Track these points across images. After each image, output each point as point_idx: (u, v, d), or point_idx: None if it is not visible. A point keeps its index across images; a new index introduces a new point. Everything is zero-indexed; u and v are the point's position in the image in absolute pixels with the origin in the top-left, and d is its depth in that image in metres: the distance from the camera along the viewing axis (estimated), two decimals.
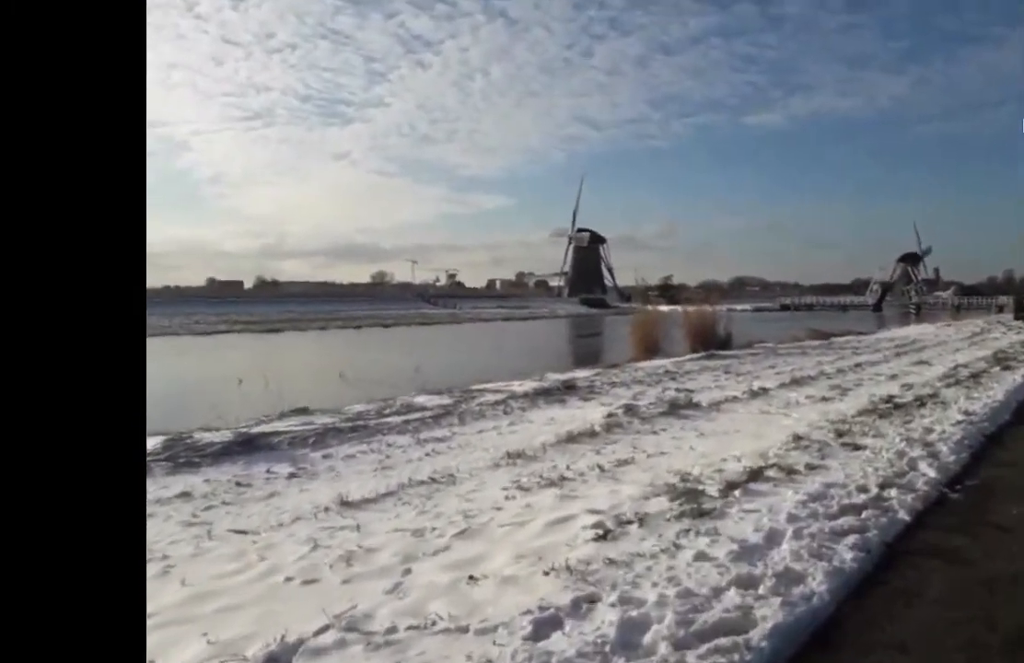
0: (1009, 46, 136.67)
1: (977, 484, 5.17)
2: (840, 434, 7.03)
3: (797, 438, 6.85)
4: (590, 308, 77.12)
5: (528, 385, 10.48)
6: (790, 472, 5.52)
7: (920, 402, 8.86)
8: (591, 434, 7.14)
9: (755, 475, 5.39)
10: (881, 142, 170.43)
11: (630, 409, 8.44)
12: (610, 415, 8.03)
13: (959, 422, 7.13)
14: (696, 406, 8.95)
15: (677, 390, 10.22)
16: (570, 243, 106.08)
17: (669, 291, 67.78)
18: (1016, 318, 32.85)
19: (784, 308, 70.27)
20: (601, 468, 5.72)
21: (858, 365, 15.59)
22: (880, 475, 5.23)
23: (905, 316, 56.44)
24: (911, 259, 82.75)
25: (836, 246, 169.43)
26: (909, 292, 78.30)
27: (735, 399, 9.53)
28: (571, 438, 6.92)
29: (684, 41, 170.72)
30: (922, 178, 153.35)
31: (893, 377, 12.57)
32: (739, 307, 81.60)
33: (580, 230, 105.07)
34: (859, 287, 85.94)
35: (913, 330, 30.55)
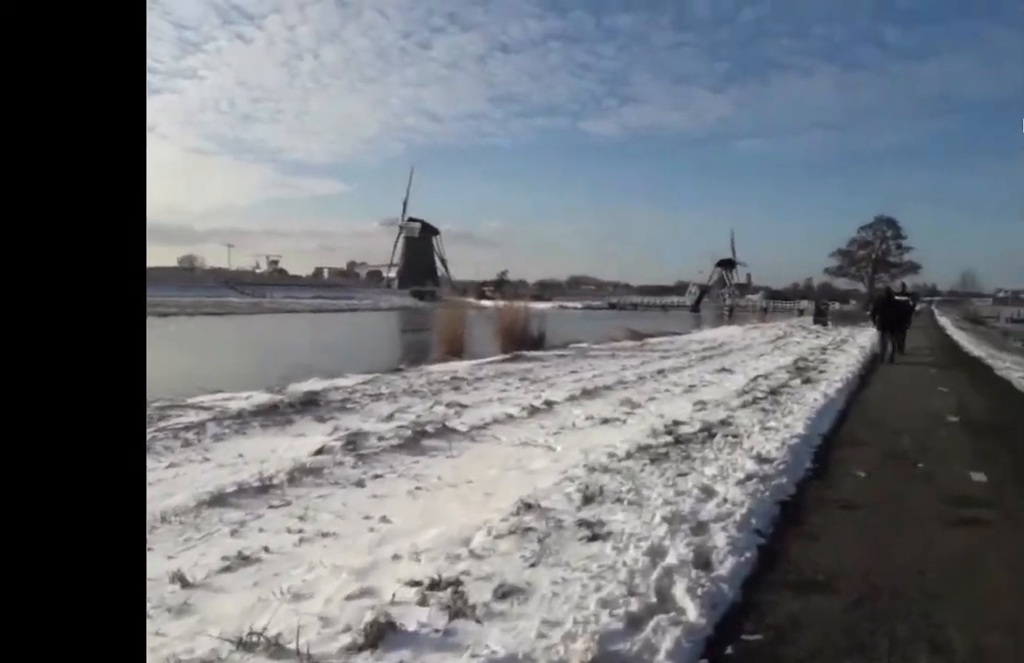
0: (816, 77, 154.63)
1: (758, 643, 2.91)
2: (588, 499, 4.76)
3: (527, 508, 4.55)
4: (419, 301, 74.21)
5: (256, 399, 8.26)
6: (457, 613, 3.01)
7: (708, 433, 6.97)
8: (261, 489, 4.90)
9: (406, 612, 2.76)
10: (706, 156, 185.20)
11: (353, 440, 6.30)
12: (321, 451, 5.87)
13: (749, 476, 5.11)
14: (451, 433, 7.09)
15: (448, 405, 8.67)
16: (401, 233, 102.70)
17: (504, 287, 66.73)
18: (815, 322, 34.98)
19: (612, 307, 72.96)
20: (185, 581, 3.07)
21: (661, 372, 14.29)
22: (599, 627, 2.82)
23: (720, 317, 60.27)
24: (727, 264, 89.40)
25: (664, 250, 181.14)
26: (723, 295, 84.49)
27: (509, 419, 7.87)
28: (220, 500, 4.57)
29: (524, 42, 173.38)
30: (739, 190, 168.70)
31: (691, 389, 11.10)
32: (571, 305, 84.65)
33: (411, 220, 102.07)
34: (682, 289, 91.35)
35: (723, 332, 31.24)
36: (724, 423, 7.54)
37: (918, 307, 33.14)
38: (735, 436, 6.81)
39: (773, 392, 10.10)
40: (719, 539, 3.91)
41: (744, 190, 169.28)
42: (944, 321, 44.89)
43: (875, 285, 60.43)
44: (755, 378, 12.30)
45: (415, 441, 6.68)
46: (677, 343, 25.52)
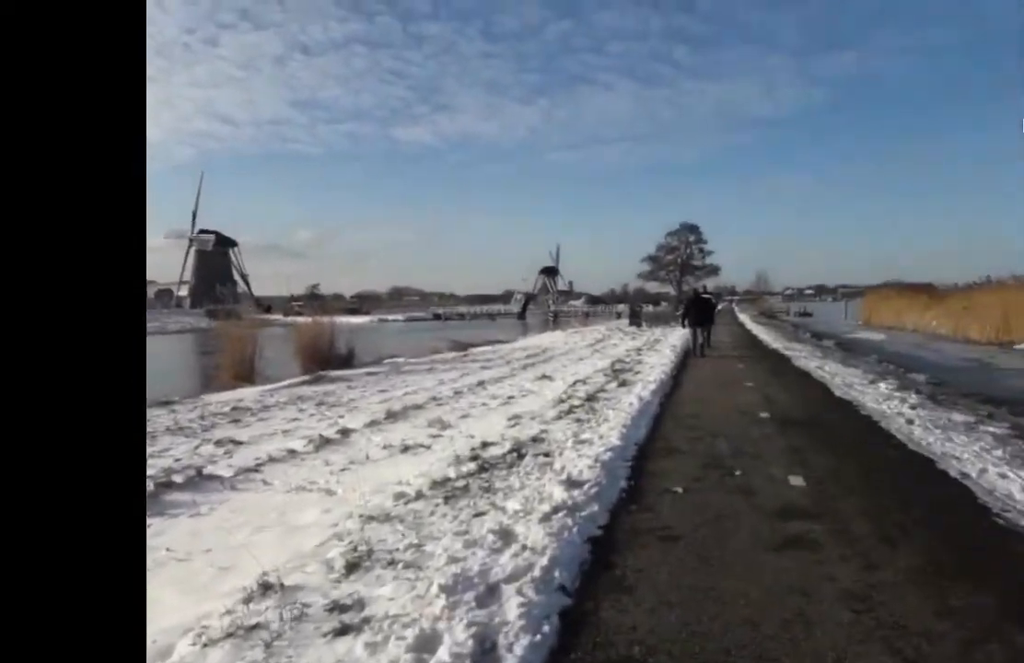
0: (618, 92, 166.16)
1: None
2: (353, 566, 3.69)
3: (265, 590, 3.38)
4: (214, 321, 68.22)
5: None
6: None
7: (518, 454, 6.17)
8: None
9: None
10: (522, 165, 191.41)
11: None
12: None
13: (556, 507, 4.28)
14: (208, 481, 5.96)
15: (219, 444, 7.57)
16: (191, 246, 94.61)
17: (316, 301, 63.25)
18: (631, 324, 36.71)
19: (436, 317, 72.18)
20: None
21: (480, 383, 13.59)
22: None
23: (545, 323, 62.03)
24: (550, 272, 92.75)
25: (488, 259, 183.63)
26: (548, 302, 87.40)
27: (290, 456, 6.84)
28: None
29: (326, 44, 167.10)
30: (557, 200, 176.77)
31: (509, 401, 10.42)
32: (392, 317, 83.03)
33: (203, 232, 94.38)
34: (508, 298, 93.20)
35: (547, 338, 31.68)
36: (536, 440, 6.79)
37: (720, 305, 35.99)
38: (547, 454, 6.05)
39: (590, 398, 9.65)
40: (511, 609, 2.97)
41: (562, 200, 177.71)
42: (743, 317, 49.52)
43: (682, 287, 65.52)
44: (574, 383, 11.93)
45: (154, 498, 5.43)
46: (501, 352, 25.20)
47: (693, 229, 73.08)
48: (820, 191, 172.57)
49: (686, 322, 18.61)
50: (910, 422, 7.48)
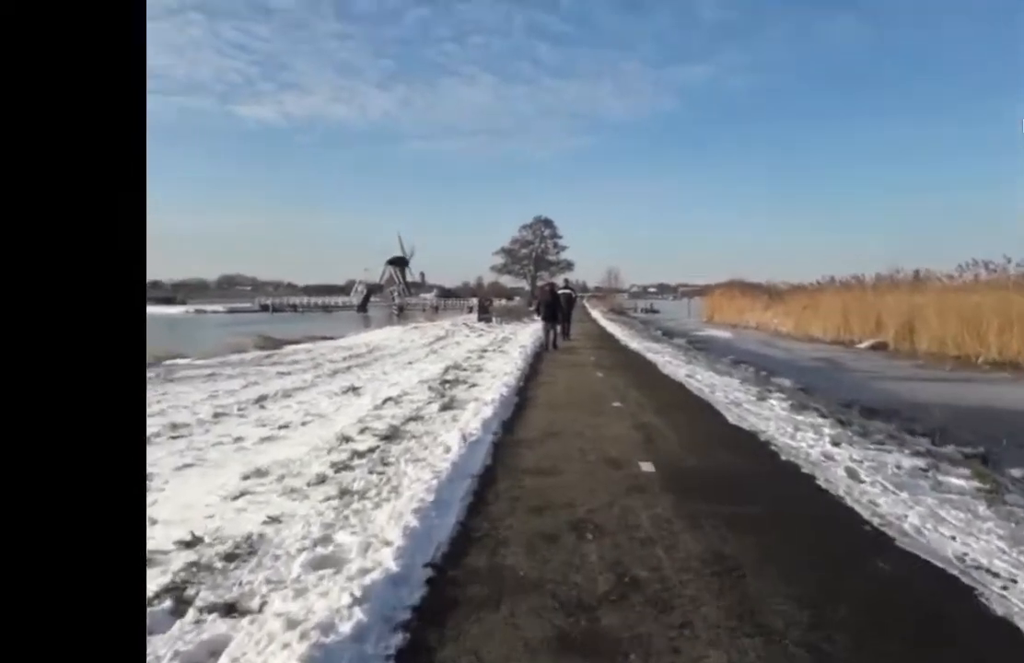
0: (478, 85, 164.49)
1: None
2: None
3: None
4: None
5: None
6: None
7: (179, 599, 2.92)
8: None
9: None
10: (375, 152, 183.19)
11: None
12: None
13: None
14: None
15: None
16: None
17: None
18: (479, 319, 34.15)
19: (264, 309, 65.85)
20: None
21: (261, 400, 10.16)
22: None
23: (391, 317, 58.23)
24: (399, 262, 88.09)
25: (333, 248, 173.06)
26: (393, 294, 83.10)
27: None
28: None
29: (157, 8, 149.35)
30: (411, 189, 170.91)
31: (275, 434, 7.19)
32: (211, 308, 74.98)
33: None
34: (352, 289, 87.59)
35: (382, 334, 28.11)
36: (237, 557, 3.55)
37: (576, 299, 34.44)
38: (240, 610, 2.85)
39: (391, 437, 6.52)
40: None
41: (416, 189, 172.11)
42: (596, 313, 48.64)
43: (536, 282, 64.36)
44: (384, 403, 8.78)
45: None
46: (319, 350, 21.44)
47: (548, 223, 72.51)
48: (667, 194, 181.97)
49: (540, 316, 17.98)
50: (853, 474, 5.13)
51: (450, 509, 4.23)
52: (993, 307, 18.87)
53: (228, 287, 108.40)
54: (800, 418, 7.48)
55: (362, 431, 6.95)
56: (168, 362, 16.94)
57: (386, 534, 3.68)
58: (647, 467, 5.24)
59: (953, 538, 3.86)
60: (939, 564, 3.44)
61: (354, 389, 10.95)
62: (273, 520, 4.17)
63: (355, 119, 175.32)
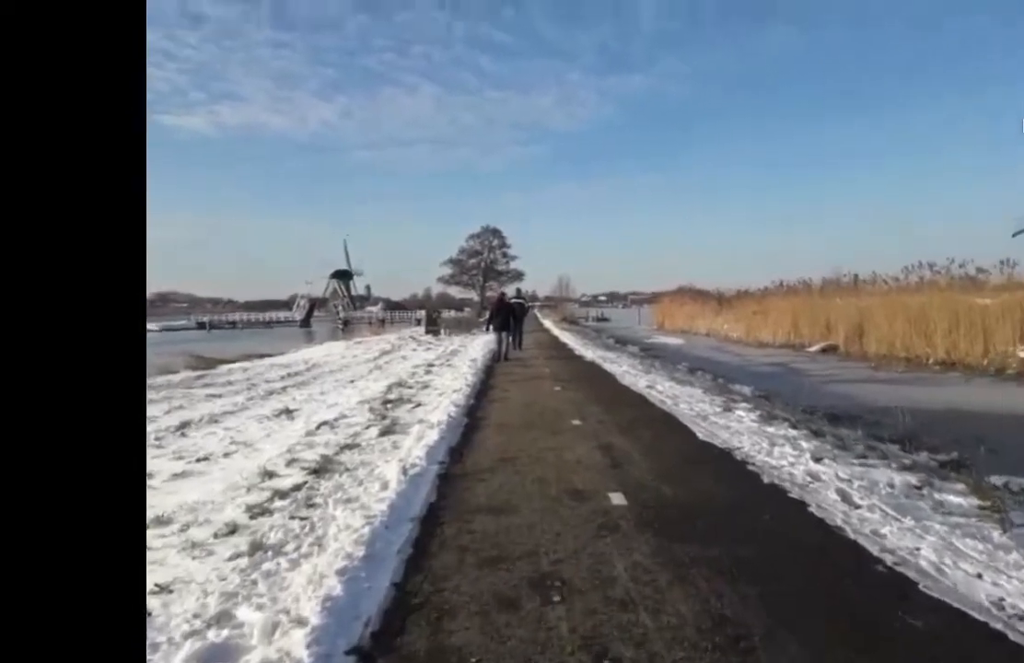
0: (420, 95, 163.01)
1: None
2: None
3: None
4: None
5: None
6: None
7: None
8: None
9: None
10: (317, 164, 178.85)
11: None
12: None
13: None
14: None
15: None
16: None
17: None
18: (427, 332, 33.16)
19: (201, 326, 63.29)
20: None
21: (183, 428, 9.17)
22: None
23: (335, 331, 56.64)
24: (343, 275, 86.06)
25: (275, 262, 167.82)
26: (337, 307, 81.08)
27: None
28: None
29: None
30: (355, 201, 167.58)
31: (190, 469, 6.30)
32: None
33: None
34: (294, 303, 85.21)
35: (323, 350, 26.87)
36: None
37: (528, 309, 33.81)
38: None
39: (321, 470, 5.70)
40: None
41: (360, 201, 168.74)
42: (548, 323, 48.17)
43: (486, 292, 63.64)
44: (318, 428, 7.93)
45: None
46: (257, 369, 20.21)
47: (496, 232, 71.82)
48: (614, 202, 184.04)
49: (491, 327, 17.61)
50: (846, 497, 4.57)
51: (384, 566, 3.47)
52: (939, 308, 19.10)
53: (163, 304, 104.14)
54: (772, 430, 6.96)
55: (290, 463, 6.10)
56: None
57: (301, 608, 2.91)
58: (617, 499, 4.56)
59: (979, 576, 3.31)
60: (978, 616, 2.86)
61: (288, 412, 10.02)
62: (162, 589, 3.34)
63: (295, 129, 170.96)
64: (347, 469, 5.71)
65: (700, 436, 6.64)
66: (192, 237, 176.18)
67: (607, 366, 14.06)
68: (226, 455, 7.10)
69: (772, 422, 7.60)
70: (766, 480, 5.04)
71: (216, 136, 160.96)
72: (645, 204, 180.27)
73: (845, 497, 4.60)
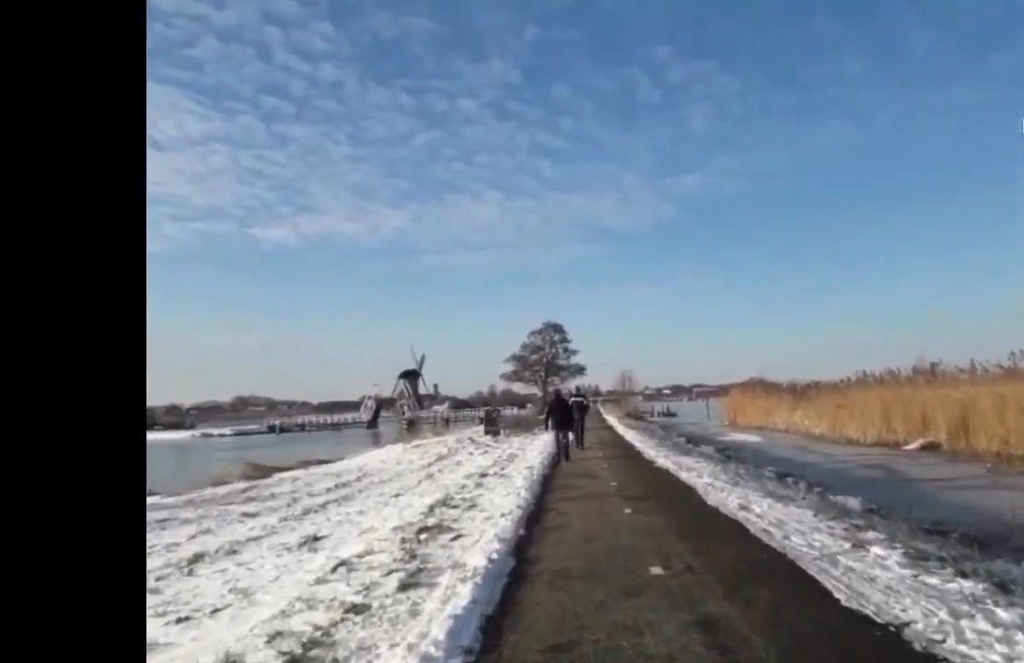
0: (485, 201, 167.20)
1: None
2: None
3: None
4: None
5: None
6: None
7: None
8: None
9: None
10: (388, 268, 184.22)
11: None
12: None
13: None
14: None
15: None
16: None
17: None
18: (486, 432, 31.50)
19: (272, 430, 63.53)
20: None
21: (193, 562, 7.70)
22: None
23: (401, 432, 55.88)
24: (411, 375, 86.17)
25: (351, 364, 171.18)
26: (403, 407, 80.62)
27: None
28: None
29: (180, 141, 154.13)
30: (423, 304, 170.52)
31: (179, 625, 4.80)
32: (218, 432, 72.76)
33: None
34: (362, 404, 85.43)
35: (380, 455, 25.52)
36: None
37: (590, 406, 31.78)
38: None
39: (304, 654, 4.01)
40: None
41: (428, 303, 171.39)
42: (612, 419, 45.69)
43: (548, 387, 61.93)
44: (334, 569, 6.29)
45: None
46: (308, 478, 18.90)
47: (557, 328, 70.72)
48: (675, 296, 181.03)
49: (549, 424, 16.43)
50: None
51: None
52: None
53: (242, 408, 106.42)
54: (935, 582, 4.90)
55: (271, 639, 4.42)
56: None
57: None
58: None
59: None
60: None
61: (315, 539, 8.45)
62: None
63: (365, 235, 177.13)
64: (343, 648, 4.00)
65: (841, 599, 4.57)
66: (272, 341, 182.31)
67: (684, 475, 11.82)
68: (213, 613, 5.56)
69: (924, 564, 5.50)
70: None
71: (297, 245, 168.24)
72: (707, 296, 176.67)
73: None
